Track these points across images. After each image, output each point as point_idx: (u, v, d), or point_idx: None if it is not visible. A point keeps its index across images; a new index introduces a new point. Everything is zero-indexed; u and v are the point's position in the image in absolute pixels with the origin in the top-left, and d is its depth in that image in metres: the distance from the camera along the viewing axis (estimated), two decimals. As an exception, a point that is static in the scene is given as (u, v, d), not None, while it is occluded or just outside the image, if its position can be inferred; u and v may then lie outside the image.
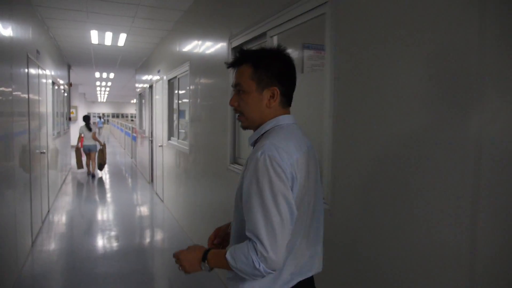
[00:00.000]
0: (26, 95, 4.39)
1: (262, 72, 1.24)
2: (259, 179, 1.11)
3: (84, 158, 10.10)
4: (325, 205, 1.86)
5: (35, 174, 4.92)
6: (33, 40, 5.00)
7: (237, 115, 1.35)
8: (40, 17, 5.62)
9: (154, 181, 8.15)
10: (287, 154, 1.15)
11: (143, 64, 9.94)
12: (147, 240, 5.19)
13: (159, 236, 5.42)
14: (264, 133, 1.26)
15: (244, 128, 1.34)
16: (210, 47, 4.10)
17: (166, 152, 6.58)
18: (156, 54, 7.82)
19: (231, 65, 1.33)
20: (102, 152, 9.78)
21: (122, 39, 7.03)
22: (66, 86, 10.14)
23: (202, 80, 4.41)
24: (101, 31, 6.50)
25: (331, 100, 1.90)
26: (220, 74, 3.62)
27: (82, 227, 5.61)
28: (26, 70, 4.41)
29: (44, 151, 5.58)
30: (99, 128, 31.25)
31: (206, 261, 1.24)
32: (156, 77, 7.64)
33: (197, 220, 4.66)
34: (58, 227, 5.58)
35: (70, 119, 11.41)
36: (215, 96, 3.86)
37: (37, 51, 5.24)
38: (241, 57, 1.29)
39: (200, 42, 4.47)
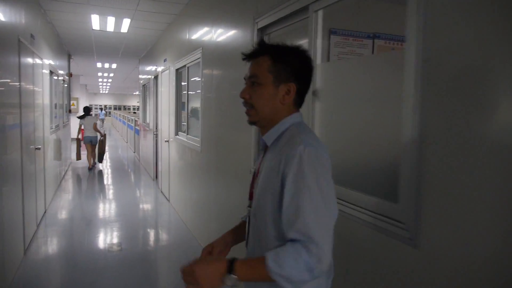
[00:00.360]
0: (17, 84, 3.87)
1: (281, 66, 1.19)
2: (307, 175, 1.04)
3: (84, 153, 9.83)
4: (404, 232, 1.40)
5: (28, 171, 4.41)
6: (26, 23, 4.46)
7: (246, 109, 1.26)
8: (35, -2, 5.09)
9: (159, 178, 7.64)
10: (324, 151, 1.12)
11: (147, 53, 9.39)
12: (153, 246, 4.69)
13: (165, 240, 4.94)
14: (283, 132, 1.20)
15: (251, 123, 1.26)
16: (228, 30, 3.56)
17: (173, 148, 6.06)
18: (162, 42, 7.26)
19: (249, 56, 1.25)
20: (102, 143, 9.71)
21: (125, 24, 6.48)
22: (66, 76, 9.61)
23: (218, 69, 3.87)
24: (103, 15, 5.95)
25: (416, 88, 1.37)
26: (241, 62, 3.09)
27: (82, 231, 5.11)
28: (17, 56, 3.89)
29: (40, 146, 5.07)
30: (101, 120, 31.10)
31: (232, 273, 1.05)
32: (162, 67, 7.10)
33: (209, 223, 4.18)
34: (55, 231, 5.07)
35: (70, 111, 10.89)
36: (234, 88, 3.33)
37: (32, 36, 4.70)
38: (260, 48, 1.24)
39: (215, 25, 3.93)
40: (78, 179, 8.74)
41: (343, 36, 2.43)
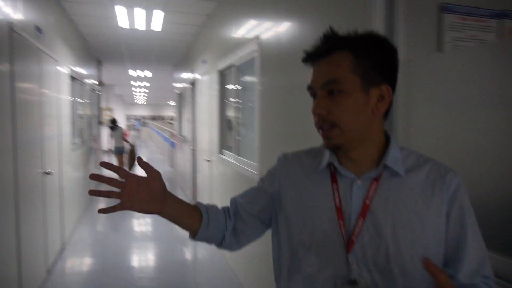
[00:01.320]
0: (7, 88, 2.78)
1: (367, 62, 0.87)
2: (467, 209, 0.89)
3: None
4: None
5: (32, 204, 3.33)
6: (26, 11, 3.39)
7: (320, 129, 0.91)
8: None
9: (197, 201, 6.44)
10: None
11: (183, 56, 8.32)
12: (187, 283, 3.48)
13: (204, 281, 3.79)
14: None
15: (334, 147, 0.92)
16: (301, 14, 2.28)
17: (216, 170, 4.84)
18: (201, 40, 6.10)
19: (319, 53, 0.90)
20: (133, 153, 9.82)
21: (157, 19, 5.36)
22: (95, 84, 8.71)
23: (284, 70, 2.59)
24: (130, 7, 4.87)
25: None
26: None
27: (109, 253, 4.13)
28: (8, 50, 2.80)
29: (50, 170, 3.98)
30: (137, 130, 31.13)
31: None
32: (201, 71, 5.94)
33: (260, 268, 3.01)
34: (79, 254, 4.01)
35: (101, 123, 10.03)
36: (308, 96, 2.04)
37: (37, 29, 3.64)
38: (335, 41, 0.89)
39: (283, 9, 2.67)
40: (107, 200, 7.72)
41: (459, 15, 1.78)
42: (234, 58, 3.90)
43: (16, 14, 3.02)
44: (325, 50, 0.90)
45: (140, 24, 5.64)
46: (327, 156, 0.96)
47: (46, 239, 3.85)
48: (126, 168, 9.67)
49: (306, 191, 0.97)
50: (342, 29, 0.94)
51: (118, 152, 9.68)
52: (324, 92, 0.90)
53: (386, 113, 0.94)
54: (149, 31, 6.04)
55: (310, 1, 2.24)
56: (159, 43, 7.16)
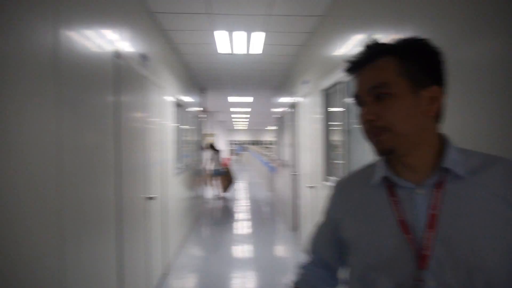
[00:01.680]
0: (112, 114, 2.76)
1: (413, 65, 0.86)
2: None
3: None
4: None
5: (134, 229, 3.28)
6: (132, 40, 3.46)
7: (371, 136, 0.91)
8: (150, 13, 4.18)
9: (300, 231, 6.03)
10: None
11: (282, 80, 8.16)
12: None
13: None
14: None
15: (386, 152, 0.89)
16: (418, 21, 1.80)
17: (320, 197, 4.40)
18: (301, 59, 5.83)
19: (361, 61, 0.91)
20: (228, 175, 10.94)
21: (257, 41, 5.25)
22: (199, 111, 9.01)
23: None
24: (229, 30, 4.81)
25: None
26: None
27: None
28: (113, 77, 2.81)
29: (154, 195, 3.98)
30: (238, 154, 32.49)
31: None
32: (301, 92, 5.64)
33: None
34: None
35: (203, 148, 10.34)
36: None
37: (143, 57, 3.71)
38: (376, 49, 0.90)
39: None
40: (211, 223, 7.74)
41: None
42: (340, 76, 3.48)
43: (122, 43, 3.06)
44: (369, 57, 0.90)
45: (239, 48, 5.58)
46: (381, 170, 0.95)
47: (148, 264, 3.81)
48: (221, 189, 11.02)
49: (365, 212, 0.96)
50: None
51: (217, 174, 10.76)
52: (372, 97, 0.89)
53: (439, 115, 0.91)
54: (248, 55, 5.98)
55: (434, 6, 1.75)
56: (259, 67, 7.09)
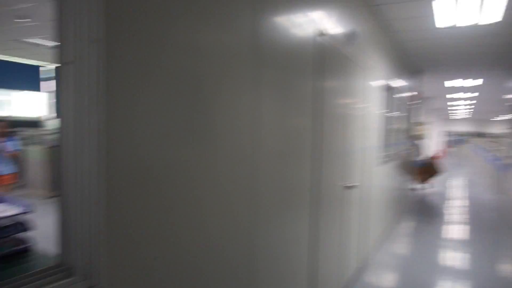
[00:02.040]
0: (318, 100, 2.66)
1: None
2: None
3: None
4: None
5: (329, 218, 3.16)
6: (335, 17, 3.25)
7: None
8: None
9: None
10: None
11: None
12: None
13: None
14: None
15: None
16: None
17: None
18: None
19: None
20: (431, 167, 10.15)
21: (495, 6, 4.21)
22: (411, 97, 8.17)
23: None
24: (455, -2, 4.02)
25: None
26: None
27: None
28: (318, 61, 2.68)
29: (355, 184, 3.75)
30: (455, 147, 28.86)
31: None
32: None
33: None
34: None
35: (411, 137, 9.39)
36: None
37: (349, 36, 3.46)
38: None
39: None
40: (412, 216, 7.00)
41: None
42: None
43: (325, 22, 2.89)
44: None
45: (466, 18, 4.63)
46: None
47: (342, 254, 3.63)
48: (418, 181, 10.13)
49: None
50: None
51: (419, 165, 10.05)
52: None
53: None
54: (477, 26, 4.92)
55: None
56: (493, 41, 5.78)
